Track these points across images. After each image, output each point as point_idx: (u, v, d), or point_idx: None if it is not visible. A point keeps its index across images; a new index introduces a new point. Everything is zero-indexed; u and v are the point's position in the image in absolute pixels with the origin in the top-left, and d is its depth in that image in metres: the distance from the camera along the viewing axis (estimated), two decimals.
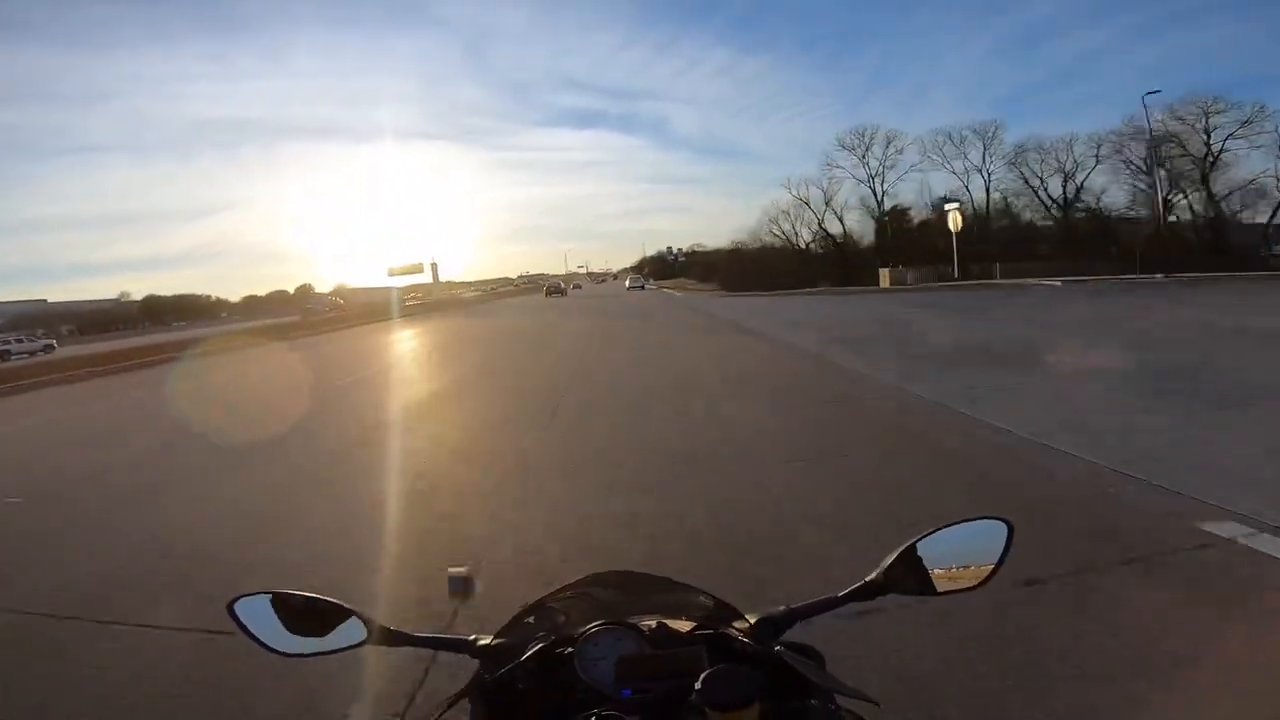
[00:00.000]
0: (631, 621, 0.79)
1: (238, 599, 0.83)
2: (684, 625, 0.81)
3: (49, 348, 39.14)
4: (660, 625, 0.80)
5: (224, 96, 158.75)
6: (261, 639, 0.83)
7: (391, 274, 54.66)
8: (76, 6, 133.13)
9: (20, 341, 40.30)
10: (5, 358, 33.00)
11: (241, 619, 0.83)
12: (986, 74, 66.04)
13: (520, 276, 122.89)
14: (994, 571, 0.85)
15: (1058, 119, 77.28)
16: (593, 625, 0.78)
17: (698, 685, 0.68)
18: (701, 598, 0.88)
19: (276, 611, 0.83)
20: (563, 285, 65.21)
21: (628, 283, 63.99)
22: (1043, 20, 63.49)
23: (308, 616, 0.84)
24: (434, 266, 56.85)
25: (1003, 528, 0.86)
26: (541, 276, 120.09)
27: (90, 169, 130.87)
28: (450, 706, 0.78)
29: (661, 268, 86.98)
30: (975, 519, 0.86)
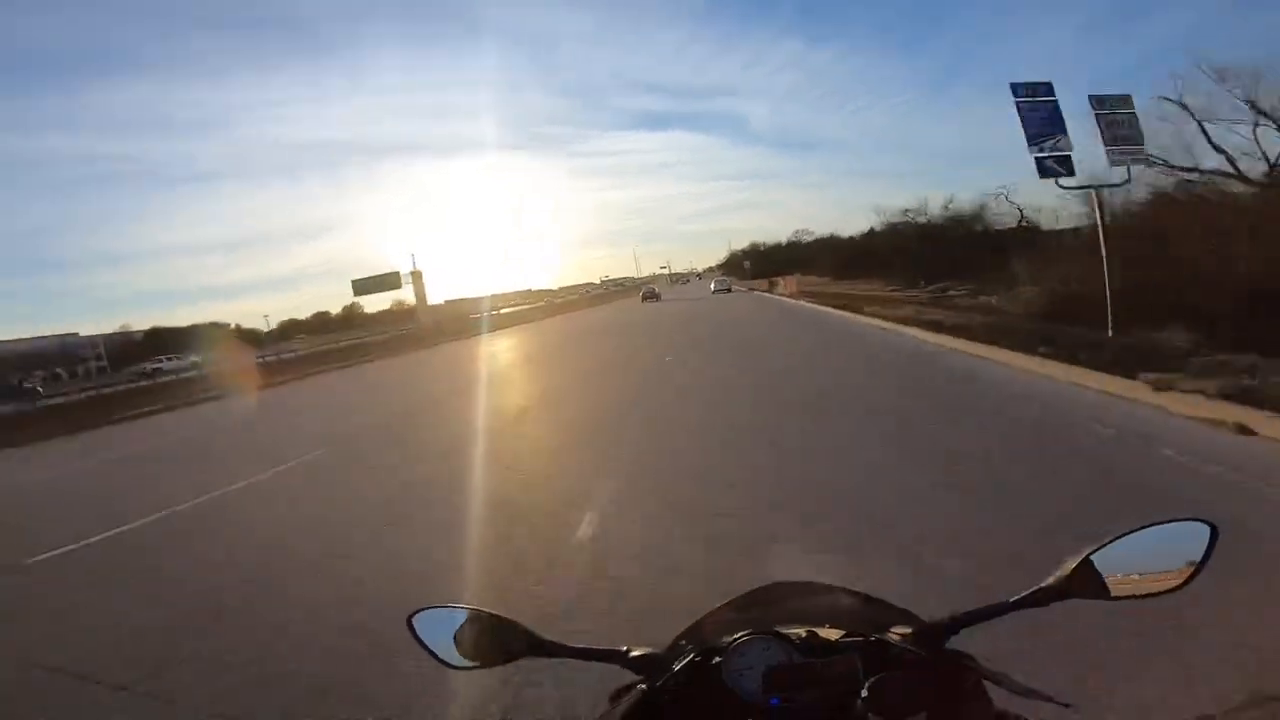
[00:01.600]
0: (780, 630, 0.78)
1: (415, 613, 0.88)
2: (834, 634, 0.80)
3: (196, 365, 42.37)
4: (810, 634, 0.79)
5: (318, 119, 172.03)
6: (435, 651, 0.87)
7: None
8: (181, 39, 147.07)
9: (170, 360, 44.65)
10: (156, 375, 36.64)
11: (418, 632, 0.88)
12: (1079, 54, 60.39)
13: (603, 280, 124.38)
14: (1194, 575, 0.76)
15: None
16: (740, 635, 0.78)
17: (864, 692, 0.68)
18: (858, 600, 0.89)
19: (448, 624, 0.87)
20: (656, 290, 64.15)
21: (712, 285, 56.57)
22: None
23: (475, 629, 0.87)
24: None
25: (1204, 530, 0.77)
26: (624, 280, 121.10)
27: (203, 196, 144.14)
28: (618, 707, 0.79)
29: (757, 263, 74.21)
30: (1170, 521, 0.78)
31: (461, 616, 0.88)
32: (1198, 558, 0.76)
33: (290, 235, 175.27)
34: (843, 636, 0.79)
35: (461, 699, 2.58)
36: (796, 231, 72.44)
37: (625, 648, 0.86)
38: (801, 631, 0.79)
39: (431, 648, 0.87)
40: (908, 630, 0.80)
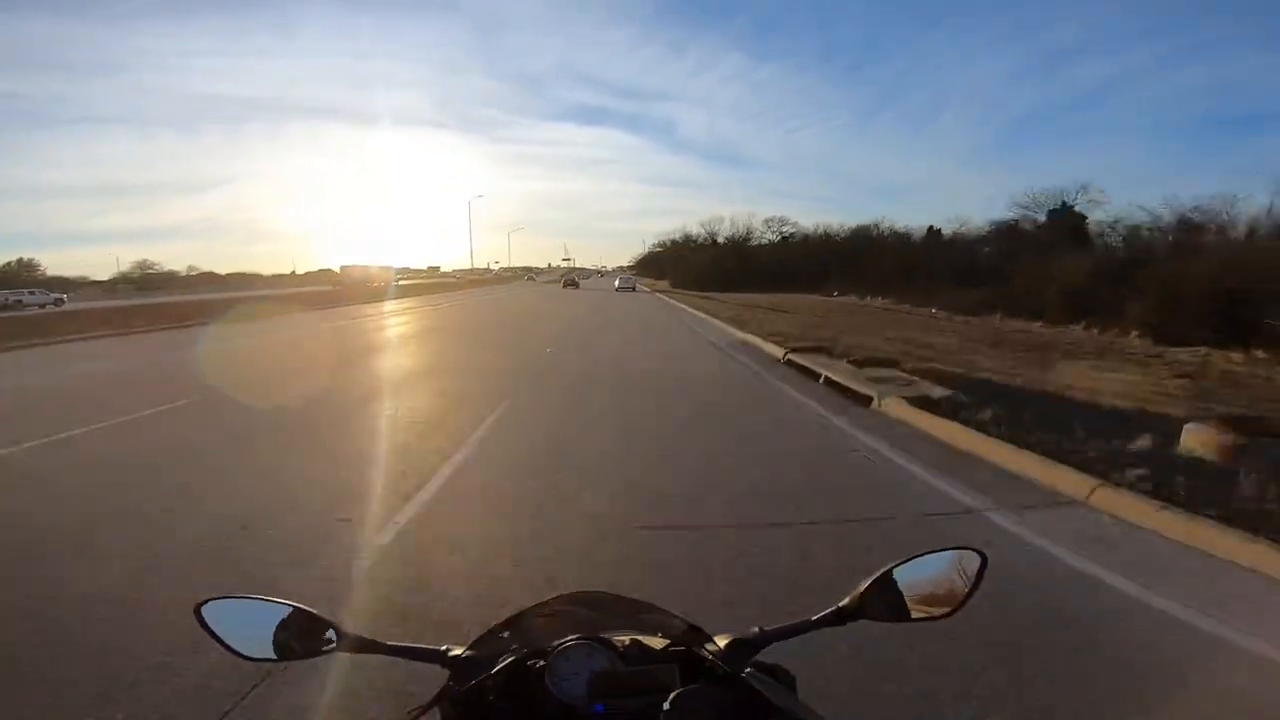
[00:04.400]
0: (605, 637, 0.78)
1: (205, 602, 0.80)
2: (657, 643, 0.81)
3: (59, 301, 42.30)
4: (634, 642, 0.79)
5: (231, 72, 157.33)
6: (229, 643, 0.80)
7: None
8: None
9: (32, 295, 43.33)
10: (18, 308, 36.15)
11: (209, 623, 0.80)
12: (1002, 95, 65.87)
13: (497, 266, 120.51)
14: (966, 599, 0.85)
15: (1068, 143, 77.87)
16: (567, 640, 0.77)
17: (666, 705, 0.69)
18: (674, 619, 0.88)
19: (246, 616, 0.81)
20: (576, 279, 67.75)
21: (616, 283, 54.27)
22: (1064, 46, 62.60)
23: (278, 622, 0.81)
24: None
25: (975, 558, 0.86)
26: (530, 269, 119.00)
27: (91, 139, 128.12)
28: (417, 717, 0.76)
29: (662, 266, 75.78)
30: (948, 549, 0.87)
31: (263, 609, 0.81)
32: (969, 583, 0.85)
33: (177, 188, 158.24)
34: (666, 647, 0.80)
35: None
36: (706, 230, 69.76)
37: (445, 647, 0.83)
38: (626, 639, 0.79)
39: (225, 638, 0.79)
40: (723, 643, 0.83)
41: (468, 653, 0.83)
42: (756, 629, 0.85)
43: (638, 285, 55.44)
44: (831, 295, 38.79)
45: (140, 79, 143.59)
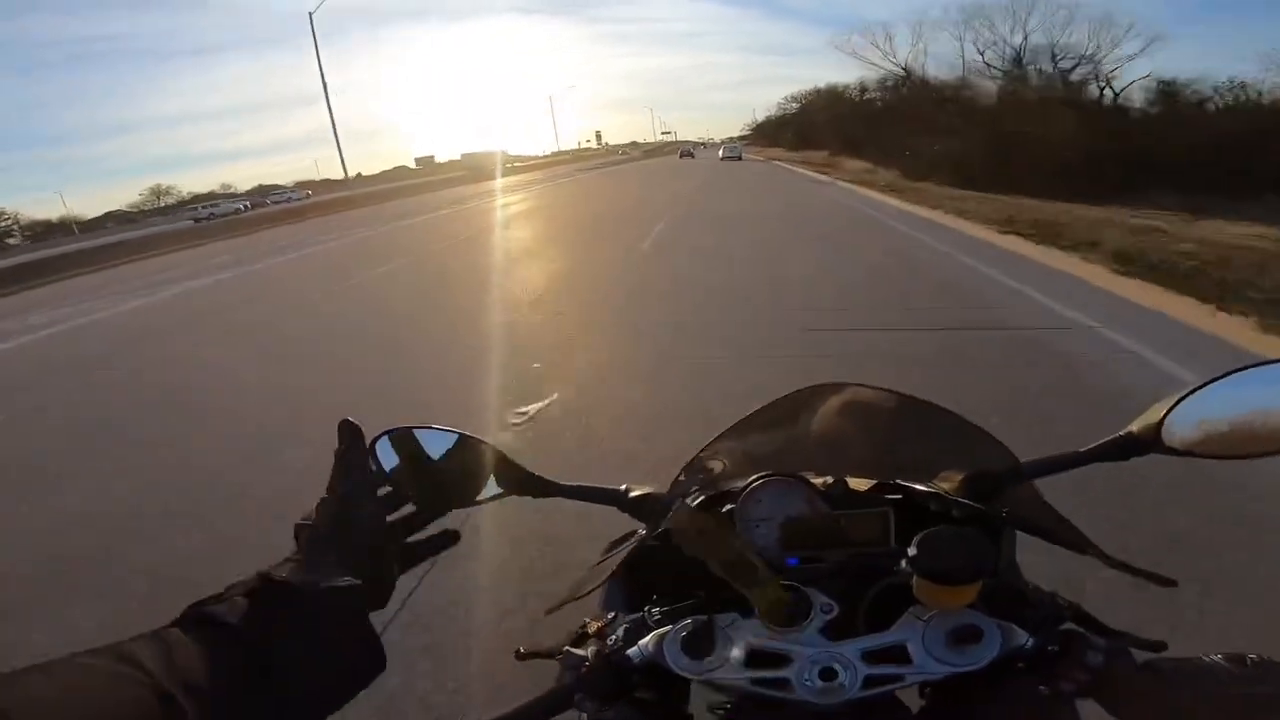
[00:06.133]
0: (803, 475, 0.65)
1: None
2: (864, 483, 0.67)
3: (307, 196, 58.37)
4: (839, 481, 0.66)
5: None
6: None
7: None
8: None
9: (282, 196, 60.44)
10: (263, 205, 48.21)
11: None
12: None
13: (609, 146, 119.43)
14: None
15: None
16: (755, 478, 0.64)
17: (911, 550, 0.54)
18: (888, 456, 0.74)
19: (421, 449, 0.69)
20: (691, 150, 71.47)
21: (721, 153, 50.10)
22: None
23: (452, 458, 0.71)
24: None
25: None
26: (632, 145, 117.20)
27: (206, 67, 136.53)
28: (617, 554, 0.69)
29: (777, 131, 65.77)
30: (1249, 367, 0.59)
31: (437, 439, 0.71)
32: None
33: (295, 101, 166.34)
34: (874, 486, 0.66)
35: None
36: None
37: (624, 487, 0.74)
38: (829, 478, 0.66)
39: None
40: (956, 478, 0.66)
41: (647, 492, 0.74)
42: (1010, 461, 0.67)
43: (744, 154, 51.03)
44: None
45: (238, 3, 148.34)
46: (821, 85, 52.99)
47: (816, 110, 51.74)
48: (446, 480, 0.70)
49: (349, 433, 0.56)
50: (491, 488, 0.72)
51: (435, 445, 0.70)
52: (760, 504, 0.64)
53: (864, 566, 0.60)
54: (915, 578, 0.53)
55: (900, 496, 0.65)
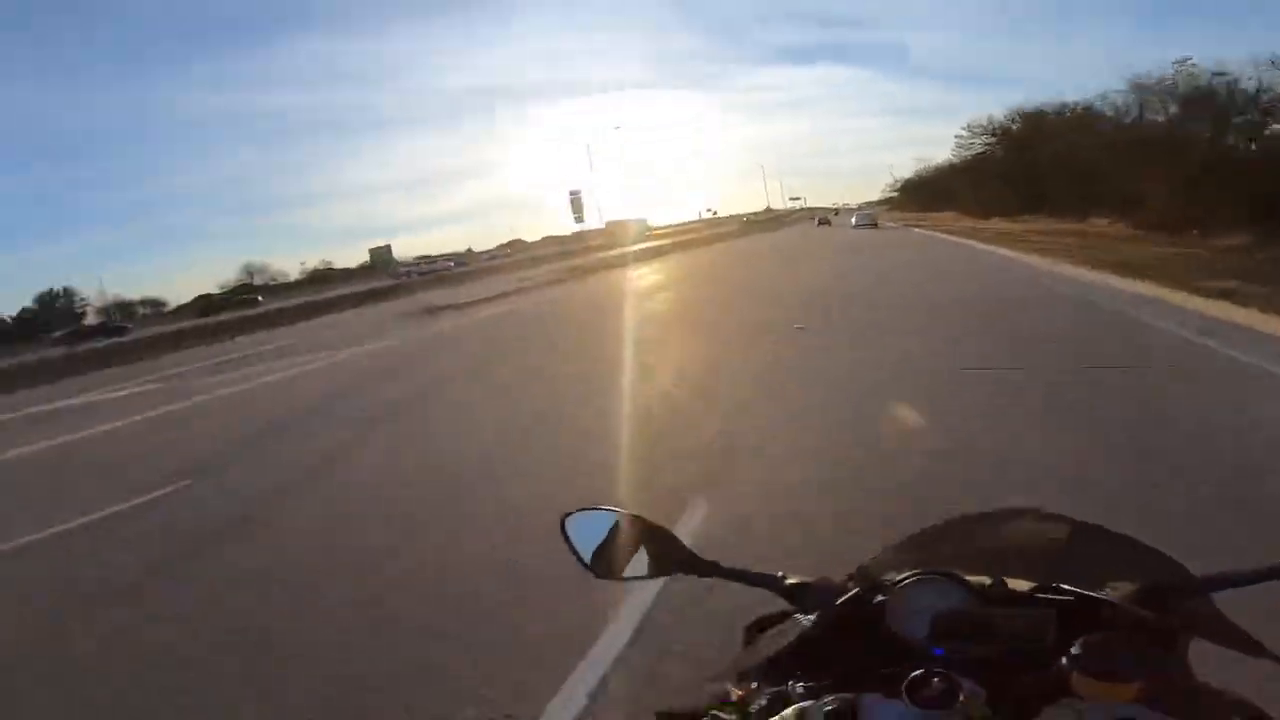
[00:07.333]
0: (958, 574, 0.64)
1: (570, 514, 0.82)
2: (1025, 585, 0.64)
3: (461, 263, 61.58)
4: (999, 583, 0.63)
5: (471, 66, 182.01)
6: (583, 557, 0.81)
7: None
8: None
9: (431, 265, 61.40)
10: (411, 276, 49.85)
11: (569, 535, 0.82)
12: None
13: (730, 215, 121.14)
14: None
15: None
16: (909, 574, 0.64)
17: (1074, 649, 0.53)
18: (1103, 543, 0.73)
19: (601, 529, 0.81)
20: (829, 218, 64.18)
21: (854, 220, 45.69)
22: None
23: (628, 537, 0.81)
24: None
25: None
26: (757, 213, 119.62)
27: (379, 141, 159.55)
28: (752, 634, 0.72)
29: (921, 194, 56.83)
30: None
31: (613, 521, 0.82)
32: None
33: (460, 174, 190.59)
34: (1034, 589, 0.63)
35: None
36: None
37: (780, 574, 0.76)
38: (986, 580, 0.64)
39: (580, 552, 0.82)
40: (1129, 589, 0.62)
41: (804, 580, 0.74)
42: (1185, 576, 0.64)
43: (879, 221, 44.92)
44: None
45: (402, 83, 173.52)
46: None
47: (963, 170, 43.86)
48: (618, 557, 0.80)
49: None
50: (658, 565, 0.80)
51: (611, 524, 0.81)
52: (912, 598, 0.64)
53: (1017, 662, 0.59)
54: (1075, 674, 0.52)
55: (1064, 599, 0.62)
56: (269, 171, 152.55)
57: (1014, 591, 0.63)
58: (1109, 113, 27.18)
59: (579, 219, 46.22)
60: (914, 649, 0.62)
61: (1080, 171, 26.25)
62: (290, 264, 78.50)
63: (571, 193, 45.98)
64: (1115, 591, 0.62)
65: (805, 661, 0.66)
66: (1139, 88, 24.18)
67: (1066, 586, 0.62)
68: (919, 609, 0.63)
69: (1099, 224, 24.01)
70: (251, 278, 75.76)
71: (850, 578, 0.74)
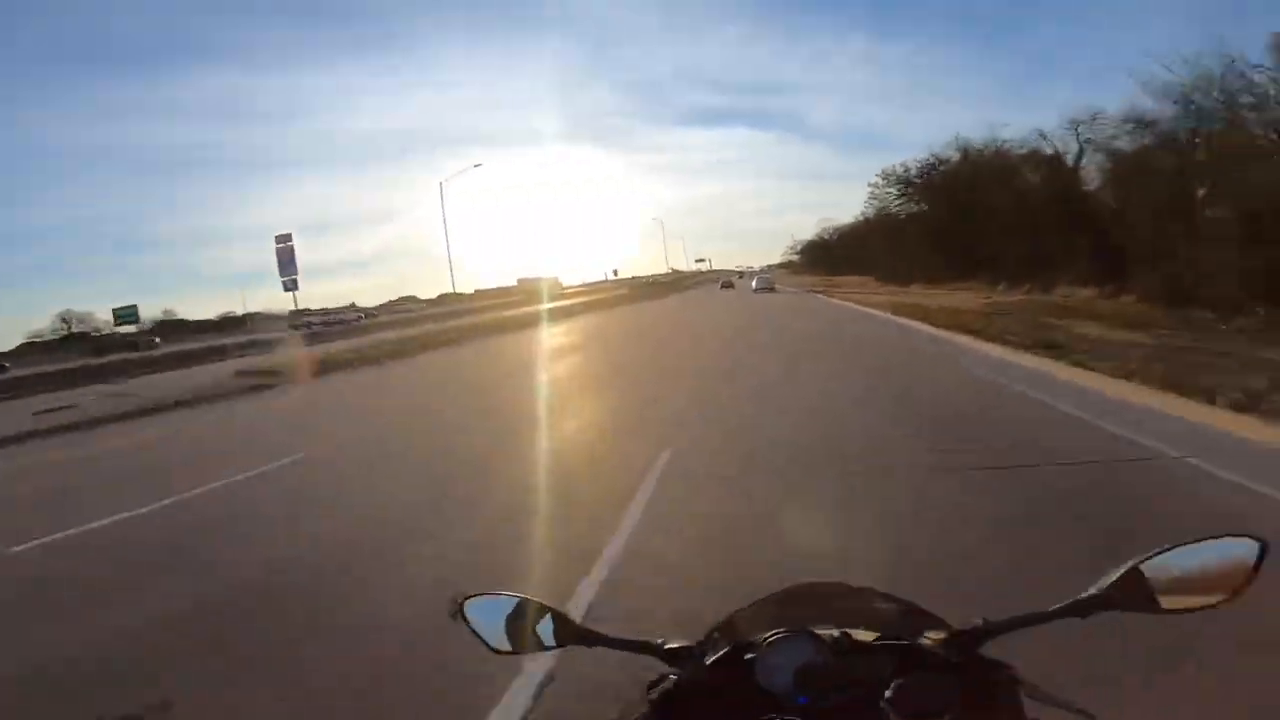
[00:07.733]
0: (813, 630, 0.77)
1: (467, 599, 0.92)
2: (868, 635, 0.79)
3: (368, 315, 62.10)
4: (844, 635, 0.78)
5: (385, 110, 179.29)
6: (484, 637, 0.90)
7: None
8: (260, 29, 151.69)
9: (329, 319, 57.03)
10: (309, 328, 42.45)
11: (469, 618, 0.91)
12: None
13: (632, 277, 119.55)
14: (1238, 591, 0.73)
15: None
16: (774, 633, 0.77)
17: (888, 692, 0.68)
18: (893, 605, 0.89)
19: (497, 611, 0.91)
20: (732, 280, 64.61)
21: (754, 283, 46.45)
22: None
23: (517, 616, 0.91)
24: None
25: (1251, 546, 0.73)
26: (656, 276, 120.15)
27: (277, 183, 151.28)
28: (648, 698, 0.81)
29: (830, 257, 60.81)
30: (1215, 538, 0.74)
31: (509, 605, 0.91)
32: (1244, 573, 0.73)
33: (358, 220, 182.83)
34: (876, 639, 0.79)
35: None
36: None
37: (661, 640, 0.87)
38: (835, 632, 0.78)
39: (480, 633, 0.90)
40: (940, 635, 0.79)
41: (683, 646, 0.87)
42: (980, 620, 0.79)
43: (776, 285, 46.45)
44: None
45: (310, 124, 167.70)
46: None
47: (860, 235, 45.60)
48: (516, 633, 0.91)
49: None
50: (550, 639, 0.91)
51: (507, 607, 0.92)
52: (777, 654, 0.76)
53: (862, 707, 0.72)
54: (891, 714, 0.68)
55: (899, 645, 0.78)
56: (156, 209, 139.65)
57: (859, 642, 0.78)
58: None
59: (287, 283, 30.89)
60: (780, 699, 0.75)
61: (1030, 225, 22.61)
62: (153, 309, 69.41)
63: (278, 238, 31.22)
64: (930, 639, 0.79)
65: (687, 716, 0.79)
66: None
67: (893, 639, 0.79)
68: (783, 663, 0.76)
69: (1083, 293, 19.77)
70: (69, 326, 66.00)
71: (714, 631, 0.89)
